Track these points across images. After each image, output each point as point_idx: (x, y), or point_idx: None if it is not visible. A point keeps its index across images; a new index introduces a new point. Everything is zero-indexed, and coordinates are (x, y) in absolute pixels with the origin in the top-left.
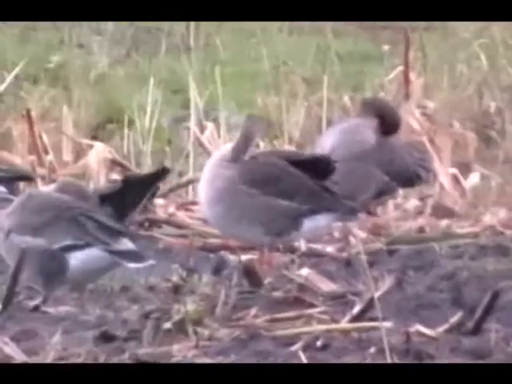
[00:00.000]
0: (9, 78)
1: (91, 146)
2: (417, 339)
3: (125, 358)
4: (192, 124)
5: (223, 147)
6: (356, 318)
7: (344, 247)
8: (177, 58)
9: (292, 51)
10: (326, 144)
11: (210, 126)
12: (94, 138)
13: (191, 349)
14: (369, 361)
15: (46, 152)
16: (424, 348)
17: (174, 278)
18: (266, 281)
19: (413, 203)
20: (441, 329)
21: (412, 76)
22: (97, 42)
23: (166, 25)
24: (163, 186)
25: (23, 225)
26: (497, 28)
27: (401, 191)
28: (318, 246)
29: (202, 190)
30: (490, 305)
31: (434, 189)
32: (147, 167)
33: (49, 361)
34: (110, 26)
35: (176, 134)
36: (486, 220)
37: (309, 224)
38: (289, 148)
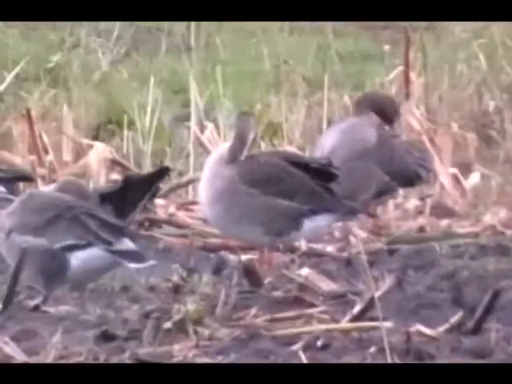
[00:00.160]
0: (9, 78)
1: (91, 146)
2: (417, 339)
3: (125, 358)
4: (192, 124)
5: (221, 146)
6: (356, 318)
7: (344, 247)
8: (177, 57)
9: (293, 51)
10: (326, 144)
11: (210, 125)
12: (95, 137)
13: (191, 348)
14: (369, 361)
15: (46, 152)
16: (424, 348)
17: (175, 278)
18: (266, 280)
19: (413, 203)
20: (441, 328)
21: (412, 76)
22: (97, 42)
23: (166, 24)
24: (163, 186)
25: (24, 224)
26: (496, 28)
27: (401, 191)
28: (318, 246)
29: (202, 190)
30: (490, 304)
31: (434, 188)
32: (147, 167)
33: (49, 361)
34: (110, 25)
35: (176, 134)
36: (487, 220)
37: (309, 224)
38: (289, 148)
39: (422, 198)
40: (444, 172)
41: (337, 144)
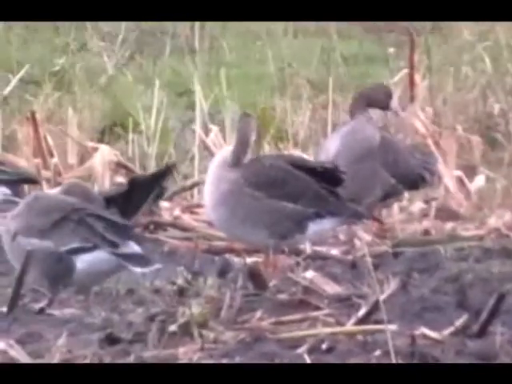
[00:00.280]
0: (14, 81)
1: (96, 149)
2: (422, 342)
3: (130, 361)
4: (197, 126)
5: (224, 149)
6: (361, 321)
7: (349, 250)
8: (182, 60)
9: (297, 53)
10: (330, 147)
11: (214, 128)
12: (99, 140)
13: (196, 351)
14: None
15: (51, 155)
16: (429, 351)
17: (179, 281)
18: (271, 283)
19: (418, 206)
20: (446, 331)
21: (417, 78)
22: (101, 45)
23: (170, 27)
24: (169, 188)
25: (30, 227)
26: (501, 30)
27: (406, 194)
28: (323, 249)
29: (206, 193)
30: (495, 307)
31: (439, 191)
32: (152, 170)
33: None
34: (114, 28)
35: (181, 137)
36: (491, 222)
37: (314, 227)
38: (294, 150)
39: (427, 201)
40: (449, 175)
41: (341, 147)
